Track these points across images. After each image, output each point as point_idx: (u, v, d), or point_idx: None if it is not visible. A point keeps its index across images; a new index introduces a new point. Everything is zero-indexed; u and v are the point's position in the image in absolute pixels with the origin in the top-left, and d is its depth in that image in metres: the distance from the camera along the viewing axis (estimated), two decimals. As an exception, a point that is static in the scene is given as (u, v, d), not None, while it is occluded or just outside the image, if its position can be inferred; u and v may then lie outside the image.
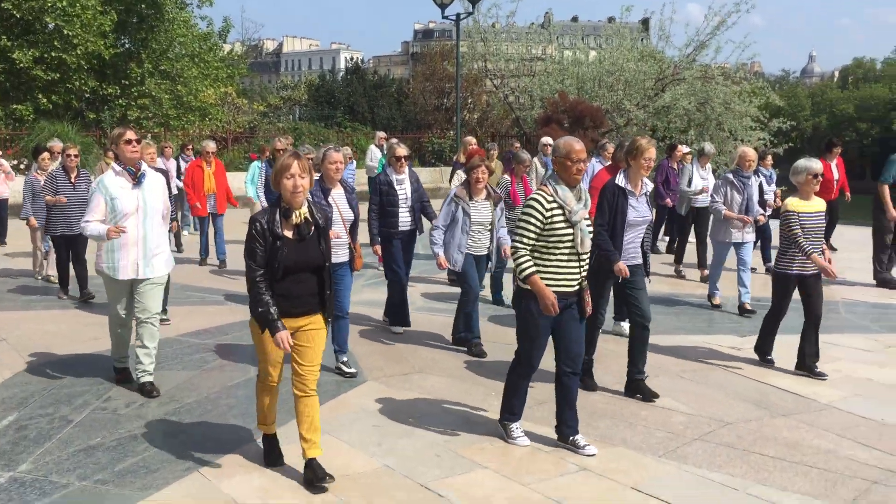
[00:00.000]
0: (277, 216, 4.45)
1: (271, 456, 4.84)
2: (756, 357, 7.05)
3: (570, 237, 4.85)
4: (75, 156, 9.43)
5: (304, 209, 4.48)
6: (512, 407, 5.20)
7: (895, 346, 7.65)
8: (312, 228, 4.51)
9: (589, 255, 5.01)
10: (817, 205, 6.65)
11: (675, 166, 11.85)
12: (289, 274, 4.44)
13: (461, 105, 26.55)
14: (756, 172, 9.38)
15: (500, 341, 7.40)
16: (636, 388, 6.13)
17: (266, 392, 4.74)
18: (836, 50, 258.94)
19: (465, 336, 7.40)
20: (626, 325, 7.00)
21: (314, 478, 4.50)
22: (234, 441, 5.18)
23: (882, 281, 10.66)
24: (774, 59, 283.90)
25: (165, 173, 7.83)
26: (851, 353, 7.28)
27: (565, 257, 4.88)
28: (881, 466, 4.87)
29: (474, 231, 7.29)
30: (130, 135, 6.03)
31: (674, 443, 5.17)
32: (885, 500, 4.41)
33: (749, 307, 8.83)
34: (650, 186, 6.45)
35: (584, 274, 5.00)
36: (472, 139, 12.68)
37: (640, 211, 6.09)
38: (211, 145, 12.15)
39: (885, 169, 10.74)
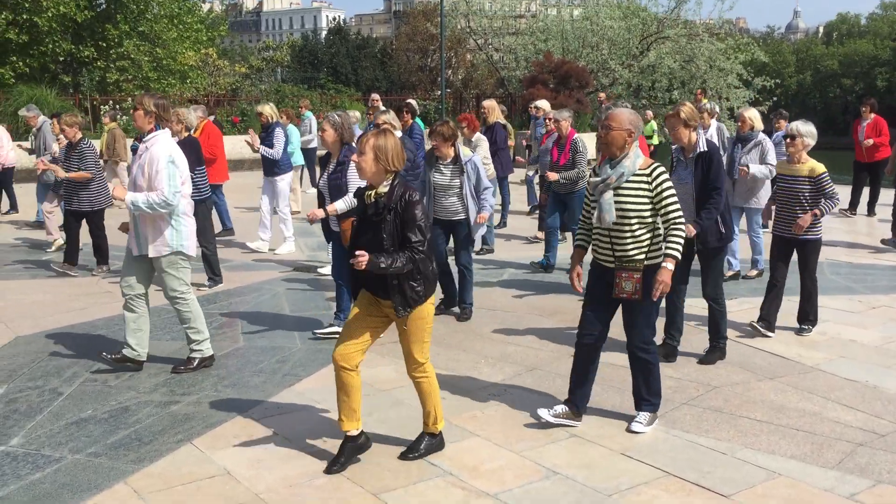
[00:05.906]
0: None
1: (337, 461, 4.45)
2: (738, 320, 7.07)
3: (595, 209, 4.83)
4: (60, 129, 9.40)
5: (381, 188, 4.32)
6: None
7: (879, 307, 7.71)
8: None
9: (622, 231, 4.72)
10: (795, 168, 6.65)
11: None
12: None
13: (445, 65, 26.30)
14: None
15: (484, 307, 7.40)
16: None
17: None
18: (821, 5, 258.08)
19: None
20: None
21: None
22: (226, 412, 5.20)
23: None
24: (759, 16, 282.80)
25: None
26: (835, 315, 7.33)
27: (598, 230, 4.86)
28: (865, 429, 4.94)
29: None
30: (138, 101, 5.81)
31: (662, 408, 5.19)
32: (870, 462, 4.49)
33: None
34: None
35: (622, 253, 4.73)
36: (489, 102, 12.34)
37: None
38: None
39: None
